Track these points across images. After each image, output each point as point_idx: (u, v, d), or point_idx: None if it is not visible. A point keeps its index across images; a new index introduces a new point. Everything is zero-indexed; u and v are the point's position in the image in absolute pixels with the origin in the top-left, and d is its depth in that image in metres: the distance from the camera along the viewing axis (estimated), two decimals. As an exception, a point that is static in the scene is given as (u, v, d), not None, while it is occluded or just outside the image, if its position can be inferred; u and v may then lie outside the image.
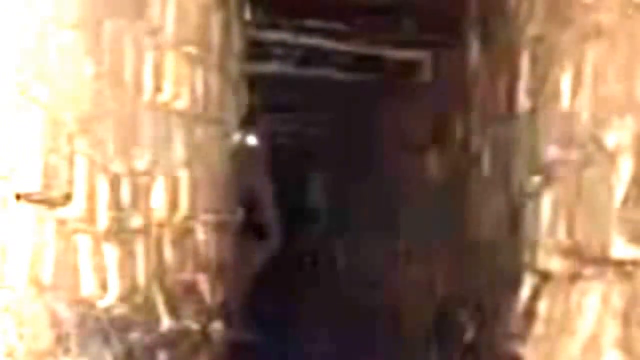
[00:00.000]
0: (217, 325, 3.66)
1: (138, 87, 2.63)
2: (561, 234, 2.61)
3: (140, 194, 2.65)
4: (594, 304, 2.35)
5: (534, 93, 3.02)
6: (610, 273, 2.28)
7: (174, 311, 2.97)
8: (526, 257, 2.95)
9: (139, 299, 2.63)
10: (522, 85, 3.18)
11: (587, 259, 2.40)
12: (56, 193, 2.03)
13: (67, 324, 2.12)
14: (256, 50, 4.89)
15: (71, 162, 2.11)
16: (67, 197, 2.09)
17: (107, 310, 2.36)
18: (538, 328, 2.75)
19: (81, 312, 2.20)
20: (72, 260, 2.18)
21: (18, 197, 1.90)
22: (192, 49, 3.16)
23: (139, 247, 2.65)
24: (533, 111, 3.01)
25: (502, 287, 3.28)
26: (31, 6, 1.92)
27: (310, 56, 5.56)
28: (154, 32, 2.76)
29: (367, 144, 6.93)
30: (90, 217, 2.26)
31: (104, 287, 2.34)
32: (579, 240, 2.47)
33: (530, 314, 2.83)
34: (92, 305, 2.28)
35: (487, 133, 3.84)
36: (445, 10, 4.51)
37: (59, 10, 2.05)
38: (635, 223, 2.17)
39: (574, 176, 2.54)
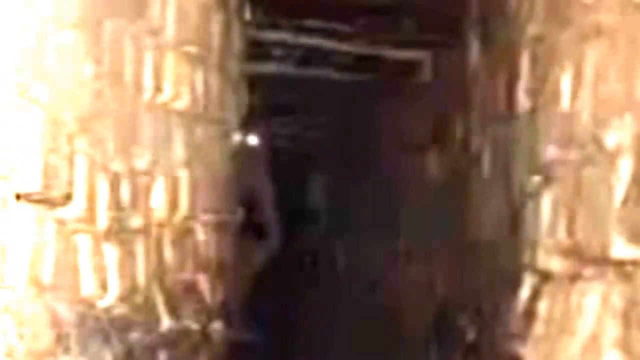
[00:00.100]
0: (217, 325, 3.66)
1: (138, 87, 2.63)
2: (561, 234, 2.61)
3: (140, 194, 2.65)
4: (594, 304, 2.35)
5: (534, 93, 3.02)
6: (610, 273, 2.28)
7: (174, 311, 2.97)
8: (526, 257, 2.95)
9: (139, 299, 2.63)
10: (522, 85, 3.18)
11: (587, 259, 2.40)
12: (56, 193, 2.03)
13: (67, 324, 2.12)
14: (256, 50, 4.89)
15: (71, 162, 2.11)
16: (67, 197, 2.09)
17: (107, 310, 2.36)
18: (538, 328, 2.75)
19: (81, 312, 2.20)
20: (72, 260, 2.18)
21: (18, 197, 1.90)
22: (192, 49, 3.16)
23: (139, 247, 2.65)
24: (533, 111, 3.01)
25: (502, 287, 3.28)
26: (31, 6, 1.92)
27: (310, 56, 5.56)
28: (154, 32, 2.76)
29: (367, 144, 6.92)
30: (90, 217, 2.26)
31: (104, 287, 2.34)
32: (579, 240, 2.47)
33: (530, 314, 2.83)
34: (92, 305, 2.28)
35: (487, 133, 3.84)
36: (445, 10, 4.51)
37: (59, 10, 2.05)
38: (635, 223, 2.17)
39: (573, 176, 2.54)
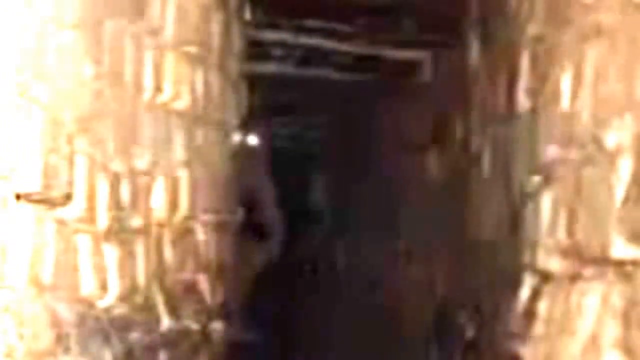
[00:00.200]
0: (217, 325, 3.66)
1: (138, 87, 2.63)
2: (561, 234, 2.61)
3: (140, 194, 2.65)
4: (594, 304, 2.35)
5: (534, 93, 3.02)
6: (610, 273, 2.28)
7: (174, 311, 2.97)
8: (526, 257, 2.95)
9: (139, 299, 2.63)
10: (522, 85, 3.18)
11: (587, 259, 2.40)
12: (56, 193, 2.03)
13: (67, 324, 2.12)
14: (256, 50, 4.89)
15: (71, 162, 2.11)
16: (67, 197, 2.09)
17: (107, 310, 2.36)
18: (538, 328, 2.75)
19: (81, 312, 2.20)
20: (72, 260, 2.18)
21: (18, 197, 1.90)
22: (192, 49, 3.16)
23: (139, 247, 2.65)
24: (533, 111, 3.01)
25: (502, 287, 3.28)
26: (31, 6, 1.92)
27: (310, 56, 5.55)
28: (154, 32, 2.76)
29: (367, 144, 6.92)
30: (90, 217, 2.26)
31: (104, 287, 2.34)
32: (579, 240, 2.47)
33: (530, 314, 2.83)
34: (92, 305, 2.28)
35: (487, 133, 3.84)
36: (445, 10, 4.51)
37: (59, 10, 2.05)
38: (635, 223, 2.17)
39: (574, 176, 2.54)
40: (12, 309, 1.88)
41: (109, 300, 2.38)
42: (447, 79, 4.92)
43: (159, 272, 2.84)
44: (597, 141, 2.36)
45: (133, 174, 2.57)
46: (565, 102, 2.64)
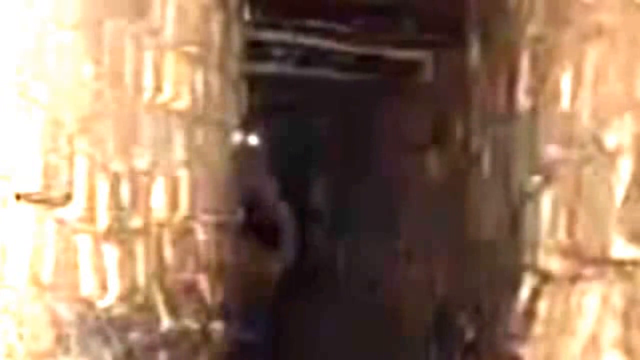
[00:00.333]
0: (217, 325, 3.66)
1: (138, 87, 2.63)
2: (561, 234, 2.61)
3: (140, 194, 2.65)
4: (594, 304, 2.35)
5: (534, 93, 3.02)
6: (610, 273, 2.28)
7: (174, 311, 2.97)
8: (526, 257, 2.95)
9: (139, 299, 2.63)
10: (522, 85, 3.18)
11: (587, 259, 2.40)
12: (56, 193, 2.03)
13: (67, 324, 2.12)
14: (256, 50, 4.88)
15: (71, 162, 2.11)
16: (67, 197, 2.09)
17: (107, 310, 2.36)
18: (538, 328, 2.75)
19: (81, 312, 2.20)
20: (72, 260, 2.18)
21: (18, 197, 1.90)
22: (192, 49, 3.16)
23: (139, 247, 2.65)
24: (533, 111, 3.01)
25: (502, 287, 3.28)
26: (31, 6, 1.92)
27: (310, 56, 5.56)
28: (154, 32, 2.76)
29: (367, 144, 6.92)
30: (90, 217, 2.26)
31: (103, 287, 2.34)
32: (579, 240, 2.47)
33: (530, 314, 2.83)
34: (92, 305, 2.28)
35: (487, 133, 3.84)
36: (445, 10, 4.51)
37: (58, 11, 2.05)
38: (635, 223, 2.17)
39: (574, 176, 2.54)
40: (12, 309, 1.88)
41: (109, 300, 2.38)
42: (447, 79, 4.92)
43: (159, 272, 2.84)
44: (597, 141, 2.36)
45: (133, 174, 2.57)
46: (565, 102, 2.63)
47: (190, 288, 3.27)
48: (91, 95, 2.25)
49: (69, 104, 2.11)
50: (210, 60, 3.48)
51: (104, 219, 2.34)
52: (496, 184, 3.57)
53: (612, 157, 2.28)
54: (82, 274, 2.23)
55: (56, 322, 2.06)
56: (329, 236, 8.14)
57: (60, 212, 2.08)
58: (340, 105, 7.40)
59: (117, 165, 2.43)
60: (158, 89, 2.79)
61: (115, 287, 2.41)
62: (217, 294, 3.67)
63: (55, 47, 2.02)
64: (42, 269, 2.01)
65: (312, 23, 4.94)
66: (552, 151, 2.75)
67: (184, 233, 3.16)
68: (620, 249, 2.21)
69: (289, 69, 5.80)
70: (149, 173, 2.73)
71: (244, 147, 5.03)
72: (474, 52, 4.10)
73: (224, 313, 3.80)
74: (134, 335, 2.57)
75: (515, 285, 3.00)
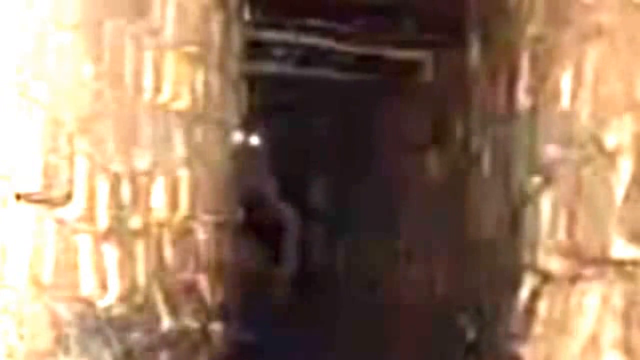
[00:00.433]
0: (217, 325, 3.66)
1: (138, 87, 2.63)
2: (561, 234, 2.61)
3: (140, 194, 2.65)
4: (594, 304, 2.35)
5: (534, 93, 3.02)
6: (611, 273, 2.28)
7: (174, 311, 2.97)
8: (526, 257, 2.95)
9: (139, 299, 2.63)
10: (522, 85, 3.18)
11: (587, 259, 2.40)
12: (56, 193, 2.03)
13: (67, 324, 2.12)
14: (256, 50, 4.89)
15: (71, 162, 2.11)
16: (67, 197, 2.09)
17: (107, 310, 2.36)
18: (538, 328, 2.75)
19: (81, 312, 2.20)
20: (72, 260, 2.18)
21: (18, 197, 1.90)
22: (192, 49, 3.16)
23: (139, 247, 2.65)
24: (533, 111, 3.01)
25: (502, 287, 3.28)
26: (31, 7, 1.92)
27: (310, 56, 5.56)
28: (154, 32, 2.76)
29: (367, 144, 6.93)
30: (90, 217, 2.26)
31: (103, 287, 2.34)
32: (579, 240, 2.47)
33: (530, 314, 2.83)
34: (91, 305, 2.28)
35: (487, 133, 3.84)
36: (445, 10, 4.51)
37: (58, 11, 2.05)
38: (635, 223, 2.17)
39: (573, 176, 2.54)
40: (12, 309, 1.88)
41: (109, 300, 2.38)
42: (447, 79, 4.92)
43: (159, 272, 2.84)
44: (597, 141, 2.36)
45: (133, 174, 2.57)
46: (565, 102, 2.63)
47: (190, 288, 3.28)
48: (91, 95, 2.25)
49: (69, 104, 2.11)
50: (210, 60, 3.48)
51: (104, 219, 2.34)
52: (496, 184, 3.57)
53: (611, 157, 2.28)
54: (82, 274, 2.23)
55: (56, 322, 2.06)
56: (329, 236, 8.14)
57: (60, 212, 2.08)
58: (340, 105, 7.40)
59: (117, 165, 2.43)
60: (158, 89, 2.79)
61: (115, 287, 2.41)
62: (216, 294, 3.67)
63: (55, 47, 2.02)
64: (42, 269, 2.01)
65: (312, 23, 4.94)
66: (551, 151, 2.75)
67: (184, 233, 3.16)
68: (620, 249, 2.21)
69: (289, 68, 5.80)
70: (149, 173, 2.73)
71: (244, 147, 5.04)
72: (474, 52, 4.10)
73: (224, 313, 3.80)
74: (134, 335, 2.57)
75: (515, 285, 3.00)
